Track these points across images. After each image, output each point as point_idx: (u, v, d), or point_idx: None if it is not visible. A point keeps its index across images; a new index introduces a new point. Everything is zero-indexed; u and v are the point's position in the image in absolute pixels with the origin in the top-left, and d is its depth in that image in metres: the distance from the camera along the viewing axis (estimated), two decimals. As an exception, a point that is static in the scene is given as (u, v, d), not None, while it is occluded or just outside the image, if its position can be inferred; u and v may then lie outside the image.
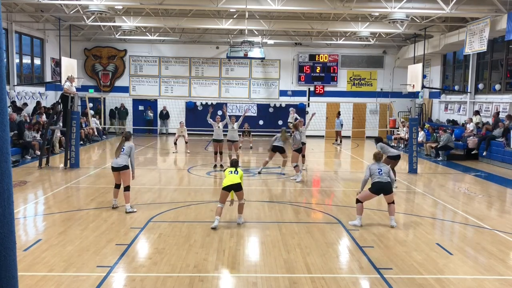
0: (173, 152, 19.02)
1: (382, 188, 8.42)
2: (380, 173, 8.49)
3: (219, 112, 24.24)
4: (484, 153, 17.36)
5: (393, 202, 8.65)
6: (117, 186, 9.50)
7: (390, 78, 28.28)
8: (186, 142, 19.37)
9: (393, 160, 12.09)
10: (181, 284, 5.69)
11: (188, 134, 20.23)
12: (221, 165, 15.09)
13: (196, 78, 28.07)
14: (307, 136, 17.02)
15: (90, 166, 15.51)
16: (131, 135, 10.01)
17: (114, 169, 9.36)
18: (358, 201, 8.62)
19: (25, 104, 20.74)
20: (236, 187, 8.40)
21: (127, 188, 9.31)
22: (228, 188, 8.34)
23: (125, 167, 9.32)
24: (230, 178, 8.37)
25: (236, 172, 8.50)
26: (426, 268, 6.38)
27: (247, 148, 20.49)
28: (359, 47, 27.81)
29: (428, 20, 20.24)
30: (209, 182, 13.07)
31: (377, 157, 8.89)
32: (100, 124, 24.20)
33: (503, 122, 16.95)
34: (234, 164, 8.75)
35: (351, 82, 28.34)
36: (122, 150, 9.30)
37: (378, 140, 12.56)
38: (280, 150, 13.96)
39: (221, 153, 15.28)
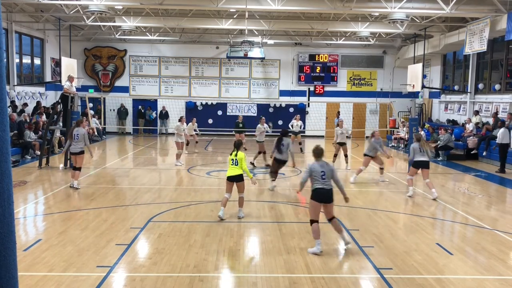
0: (177, 164, 15.71)
1: (326, 196, 6.93)
2: (324, 176, 6.94)
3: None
4: (484, 153, 17.36)
5: (334, 217, 7.11)
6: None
7: (390, 78, 28.28)
8: (196, 142, 19.20)
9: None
10: (181, 284, 5.69)
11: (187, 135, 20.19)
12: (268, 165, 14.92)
13: (196, 78, 28.07)
14: (308, 136, 17.11)
15: (90, 166, 15.50)
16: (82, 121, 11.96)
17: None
18: (312, 221, 6.99)
19: (25, 104, 20.72)
20: (237, 179, 8.49)
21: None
22: (230, 179, 8.58)
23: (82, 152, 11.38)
24: (231, 169, 8.55)
25: (236, 162, 8.51)
26: (426, 268, 6.38)
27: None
28: (359, 47, 27.81)
29: (428, 20, 20.24)
30: (209, 182, 13.07)
31: (316, 153, 7.25)
32: (100, 124, 24.21)
33: (503, 121, 16.92)
34: (236, 146, 8.72)
35: (351, 82, 28.34)
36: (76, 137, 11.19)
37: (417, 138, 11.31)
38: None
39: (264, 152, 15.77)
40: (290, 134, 14.50)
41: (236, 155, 8.63)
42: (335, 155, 15.60)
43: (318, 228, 6.92)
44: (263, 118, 17.21)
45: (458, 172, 15.57)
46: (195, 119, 20.15)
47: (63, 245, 7.05)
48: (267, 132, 16.64)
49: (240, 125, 19.80)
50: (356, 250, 7.11)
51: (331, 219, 7.10)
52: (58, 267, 6.15)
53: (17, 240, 6.90)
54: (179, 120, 16.49)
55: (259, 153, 16.01)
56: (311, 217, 7.03)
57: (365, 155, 13.43)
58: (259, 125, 16.50)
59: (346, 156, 15.77)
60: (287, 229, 8.17)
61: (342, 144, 15.55)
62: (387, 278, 5.97)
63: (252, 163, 15.54)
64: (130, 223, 8.44)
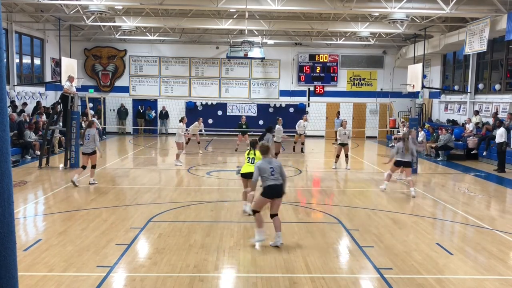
0: (177, 164, 15.71)
1: (277, 191, 7.17)
2: (273, 173, 7.15)
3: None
4: (484, 153, 17.36)
5: (277, 215, 7.28)
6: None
7: (390, 78, 28.28)
8: (198, 142, 19.08)
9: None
10: (181, 284, 5.69)
11: (188, 134, 20.19)
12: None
13: (196, 78, 28.07)
14: (308, 136, 17.19)
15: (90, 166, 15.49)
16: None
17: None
18: (254, 211, 7.30)
19: (25, 104, 20.71)
20: (250, 175, 8.47)
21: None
22: (245, 175, 8.96)
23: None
24: (246, 166, 8.98)
25: (252, 160, 8.89)
26: (426, 268, 6.38)
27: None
28: (359, 47, 27.81)
29: (428, 20, 20.24)
30: (209, 182, 13.07)
31: (263, 151, 7.44)
32: (100, 124, 24.20)
33: (502, 121, 16.94)
34: (252, 145, 9.12)
35: (351, 82, 28.34)
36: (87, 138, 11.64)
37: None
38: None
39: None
40: (274, 130, 14.50)
41: (254, 153, 8.97)
42: (338, 156, 15.55)
43: (261, 218, 7.26)
44: (280, 118, 17.31)
45: (458, 172, 15.58)
46: (201, 119, 20.05)
47: (63, 245, 7.05)
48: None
49: (244, 126, 19.88)
50: (356, 250, 7.11)
51: (274, 215, 7.28)
52: (58, 267, 6.15)
53: (17, 240, 6.89)
54: (180, 121, 16.52)
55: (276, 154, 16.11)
56: (255, 207, 7.35)
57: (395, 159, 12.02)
58: (278, 126, 16.49)
59: (347, 156, 15.79)
60: (287, 229, 8.16)
61: (344, 145, 15.55)
62: (387, 278, 5.97)
63: None
64: (130, 223, 8.44)
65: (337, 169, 15.34)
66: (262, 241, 7.21)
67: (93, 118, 22.78)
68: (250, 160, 8.98)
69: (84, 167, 12.04)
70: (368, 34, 23.55)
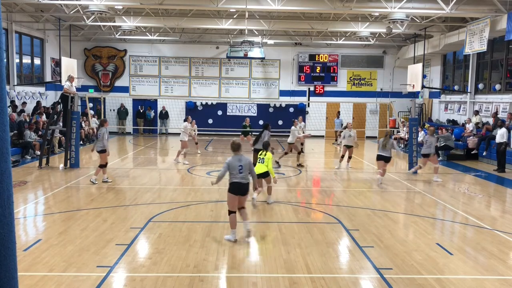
0: (178, 162, 16.30)
1: (242, 189, 7.38)
2: (241, 170, 7.33)
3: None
4: (484, 153, 17.36)
5: (244, 207, 7.60)
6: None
7: (390, 78, 28.29)
8: (196, 143, 18.93)
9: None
10: (181, 284, 5.69)
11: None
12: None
13: (196, 78, 28.07)
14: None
15: (90, 166, 15.50)
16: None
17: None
18: (230, 212, 7.45)
19: (24, 104, 20.70)
20: (263, 175, 9.68)
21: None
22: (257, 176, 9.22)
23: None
24: (257, 167, 9.60)
25: (262, 160, 9.77)
26: (426, 268, 6.38)
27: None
28: (359, 47, 27.81)
29: (428, 20, 20.24)
30: (209, 182, 13.04)
31: (234, 148, 7.59)
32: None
33: (503, 121, 16.93)
34: (264, 147, 10.13)
35: (351, 82, 28.34)
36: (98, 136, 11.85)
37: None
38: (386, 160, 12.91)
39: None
40: (270, 128, 14.51)
41: (265, 154, 9.84)
42: (342, 156, 15.61)
43: (235, 219, 7.45)
44: (296, 120, 17.30)
45: (458, 172, 15.58)
46: (191, 119, 19.84)
47: (63, 245, 7.05)
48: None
49: (247, 127, 19.93)
50: (356, 250, 7.11)
51: (241, 208, 7.59)
52: (58, 267, 6.15)
53: (17, 240, 6.93)
54: (185, 120, 16.77)
55: (286, 153, 16.47)
56: (229, 208, 7.49)
57: (423, 155, 13.81)
58: (293, 127, 16.34)
59: (350, 157, 15.83)
60: (287, 229, 8.17)
61: (349, 147, 15.49)
62: (387, 278, 5.97)
63: (277, 162, 15.58)
64: (130, 223, 8.44)
65: (339, 169, 15.35)
66: (231, 241, 7.35)
67: (93, 118, 22.81)
68: (260, 160, 9.82)
69: (100, 166, 12.36)
70: (368, 34, 23.55)
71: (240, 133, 20.64)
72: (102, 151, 12.23)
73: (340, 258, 6.88)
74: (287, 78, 28.19)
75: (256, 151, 12.87)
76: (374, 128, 27.51)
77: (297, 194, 11.52)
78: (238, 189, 7.36)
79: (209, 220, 8.72)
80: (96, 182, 12.12)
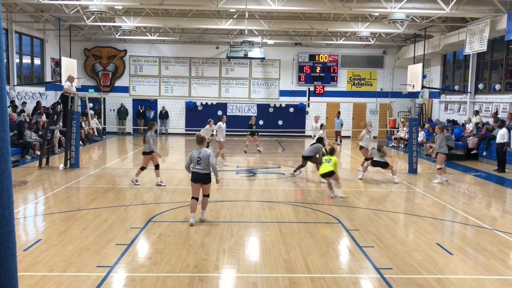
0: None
1: (199, 178, 8.30)
2: (199, 161, 8.25)
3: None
4: (484, 153, 17.36)
5: (207, 196, 8.53)
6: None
7: (390, 78, 28.29)
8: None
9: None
10: (181, 284, 5.69)
11: (188, 134, 20.13)
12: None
13: (196, 78, 28.07)
14: (308, 136, 17.17)
15: (90, 166, 15.51)
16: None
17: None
18: (192, 197, 8.44)
19: (24, 103, 20.69)
20: (329, 174, 10.88)
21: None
22: (323, 175, 11.07)
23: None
24: (324, 166, 10.94)
25: (329, 160, 10.97)
26: (426, 268, 6.38)
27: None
28: (359, 47, 27.81)
29: (428, 20, 20.24)
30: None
31: (197, 140, 8.55)
32: (100, 124, 24.22)
33: (504, 121, 16.92)
34: (331, 152, 11.42)
35: (351, 82, 28.34)
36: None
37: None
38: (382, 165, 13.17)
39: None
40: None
41: (329, 160, 11.01)
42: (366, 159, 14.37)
43: (195, 204, 8.37)
44: (325, 125, 17.14)
45: (458, 172, 15.57)
46: (212, 120, 18.83)
47: (63, 245, 7.05)
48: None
49: (254, 126, 19.88)
50: (356, 250, 7.11)
51: (204, 196, 8.52)
52: (58, 267, 6.15)
53: (17, 240, 6.93)
54: (220, 120, 16.67)
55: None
56: (192, 194, 8.45)
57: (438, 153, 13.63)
58: (363, 132, 15.28)
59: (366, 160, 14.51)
60: (287, 229, 8.17)
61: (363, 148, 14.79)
62: (387, 278, 5.97)
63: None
64: (130, 223, 8.44)
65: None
66: (191, 223, 8.21)
67: (93, 118, 22.81)
68: (327, 160, 11.04)
69: (142, 168, 12.11)
70: (368, 34, 23.55)
71: (247, 133, 20.47)
72: (147, 153, 11.91)
73: (340, 258, 6.88)
74: (287, 78, 28.19)
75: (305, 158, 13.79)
76: (374, 128, 27.44)
77: (297, 194, 11.52)
78: (196, 177, 8.31)
79: (209, 220, 8.72)
80: (138, 183, 11.97)
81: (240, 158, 17.87)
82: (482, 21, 17.58)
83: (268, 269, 6.24)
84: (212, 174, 8.42)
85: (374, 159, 13.03)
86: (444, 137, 13.47)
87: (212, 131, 16.92)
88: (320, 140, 14.00)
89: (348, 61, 28.30)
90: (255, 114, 27.65)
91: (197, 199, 8.38)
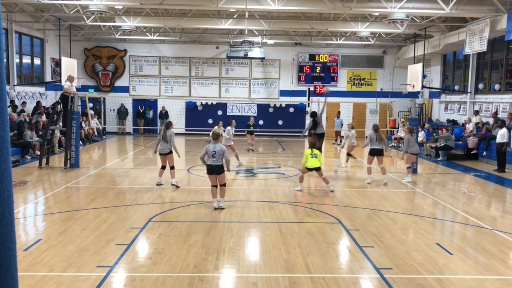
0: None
1: (213, 170, 9.27)
2: (214, 155, 9.18)
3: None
4: (484, 153, 17.36)
5: (224, 185, 9.51)
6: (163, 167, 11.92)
7: (390, 78, 28.28)
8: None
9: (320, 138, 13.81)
10: (181, 284, 5.69)
11: (188, 134, 20.15)
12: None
13: (196, 78, 28.06)
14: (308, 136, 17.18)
15: (90, 166, 15.51)
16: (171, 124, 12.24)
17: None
18: (212, 186, 9.46)
19: (24, 103, 20.69)
20: (317, 169, 11.21)
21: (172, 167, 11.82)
22: (310, 169, 11.23)
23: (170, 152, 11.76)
24: (312, 161, 11.08)
25: (315, 155, 11.12)
26: (426, 268, 6.38)
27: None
28: (359, 47, 27.80)
29: (428, 20, 20.24)
30: (209, 182, 13.03)
31: (213, 136, 9.47)
32: (100, 124, 24.21)
33: (504, 121, 16.93)
34: (313, 146, 11.43)
35: (351, 82, 28.34)
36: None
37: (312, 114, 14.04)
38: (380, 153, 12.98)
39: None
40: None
41: (316, 155, 11.16)
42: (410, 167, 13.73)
43: (215, 191, 9.49)
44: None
45: (458, 172, 15.57)
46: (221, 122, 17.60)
47: (63, 245, 7.05)
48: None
49: (251, 127, 19.92)
50: (356, 250, 7.11)
51: (222, 185, 9.52)
52: (58, 267, 6.15)
53: (17, 240, 6.91)
54: (229, 124, 16.54)
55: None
56: (211, 183, 9.55)
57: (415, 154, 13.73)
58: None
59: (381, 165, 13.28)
60: (287, 229, 8.17)
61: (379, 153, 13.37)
62: (387, 278, 5.97)
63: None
64: (130, 223, 8.44)
65: (337, 170, 15.30)
66: (215, 207, 9.39)
67: (93, 118, 22.80)
68: (313, 156, 11.10)
69: (163, 167, 12.01)
70: (368, 34, 23.55)
71: (245, 133, 20.57)
72: (170, 153, 11.82)
73: (340, 258, 6.88)
74: (287, 78, 28.19)
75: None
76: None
77: (297, 194, 11.51)
78: (211, 169, 9.30)
79: (209, 220, 8.73)
80: (177, 185, 11.78)
81: (243, 158, 17.85)
82: (482, 21, 17.58)
83: (268, 269, 6.24)
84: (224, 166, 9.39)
85: (373, 147, 12.81)
86: (412, 138, 13.36)
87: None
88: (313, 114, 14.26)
89: (348, 61, 28.29)
90: (255, 114, 27.65)
91: (216, 186, 9.43)
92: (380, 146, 12.78)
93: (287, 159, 17.72)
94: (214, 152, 9.15)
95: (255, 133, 20.68)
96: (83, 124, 21.34)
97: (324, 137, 14.51)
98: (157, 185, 11.90)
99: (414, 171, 14.82)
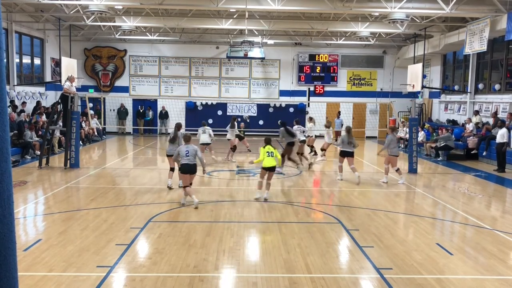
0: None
1: (189, 169, 9.45)
2: (187, 154, 9.45)
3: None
4: (484, 153, 17.36)
5: (190, 184, 9.64)
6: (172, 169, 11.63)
7: (390, 78, 28.28)
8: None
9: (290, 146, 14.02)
10: (181, 284, 5.69)
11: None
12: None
13: (196, 78, 28.06)
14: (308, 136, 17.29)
15: (90, 166, 15.51)
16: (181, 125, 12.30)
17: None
18: (185, 186, 9.61)
19: (24, 103, 20.68)
20: (273, 169, 10.37)
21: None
22: (267, 169, 10.33)
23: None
24: (268, 160, 10.25)
25: (272, 154, 10.35)
26: (426, 268, 6.38)
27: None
28: (359, 47, 27.81)
29: (428, 20, 20.24)
30: (209, 182, 13.06)
31: (185, 139, 9.90)
32: (100, 124, 24.21)
33: (504, 121, 16.93)
34: (267, 142, 10.52)
35: (351, 82, 28.34)
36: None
37: (282, 124, 14.05)
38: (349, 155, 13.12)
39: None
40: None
41: (272, 153, 10.38)
42: (398, 170, 13.51)
43: (188, 190, 9.59)
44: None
45: (458, 172, 15.57)
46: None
47: (63, 245, 7.05)
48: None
49: (242, 132, 19.71)
50: (356, 250, 7.11)
51: (189, 184, 9.64)
52: (58, 267, 6.15)
53: (17, 240, 6.91)
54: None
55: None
56: (183, 184, 9.74)
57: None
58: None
59: (397, 169, 13.29)
60: (287, 229, 8.17)
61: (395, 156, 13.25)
62: (387, 278, 5.97)
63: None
64: (130, 223, 8.44)
65: (337, 170, 15.25)
66: (183, 204, 9.67)
67: (93, 118, 22.80)
68: (269, 154, 10.37)
69: (172, 169, 11.64)
70: (368, 34, 23.55)
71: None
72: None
73: (340, 258, 6.88)
74: (287, 78, 28.19)
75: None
76: (374, 128, 27.51)
77: (297, 194, 11.51)
78: (185, 169, 9.48)
79: (209, 220, 8.73)
80: (172, 186, 11.65)
81: (240, 158, 17.86)
82: (482, 21, 17.58)
83: (268, 269, 6.24)
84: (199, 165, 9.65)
85: (343, 149, 13.00)
86: (395, 139, 13.16)
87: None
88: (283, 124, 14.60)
89: (348, 61, 28.30)
90: (255, 114, 27.66)
91: (188, 186, 9.59)
92: (350, 148, 12.97)
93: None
94: (187, 152, 9.44)
95: (246, 134, 20.29)
96: (83, 124, 21.34)
97: (294, 145, 14.74)
98: (168, 187, 11.54)
99: (414, 171, 14.82)
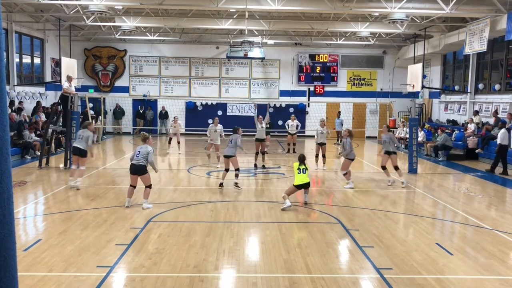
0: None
1: (136, 170, 9.33)
2: (137, 156, 9.35)
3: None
4: (478, 150, 17.39)
5: (149, 187, 9.52)
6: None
7: (390, 78, 28.28)
8: (178, 142, 18.64)
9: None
10: (181, 284, 5.69)
11: (188, 134, 20.14)
12: (263, 166, 15.53)
13: (196, 78, 28.06)
14: (308, 136, 17.18)
15: (90, 166, 15.49)
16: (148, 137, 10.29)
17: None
18: (130, 185, 9.57)
19: (21, 103, 20.66)
20: (306, 186, 9.82)
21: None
22: (299, 187, 9.78)
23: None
24: (300, 177, 9.69)
25: (304, 170, 9.78)
26: (426, 268, 6.38)
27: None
28: (359, 47, 27.80)
29: (428, 20, 20.24)
30: (209, 182, 13.07)
31: (141, 138, 9.91)
32: (101, 124, 24.16)
33: (504, 122, 16.91)
34: (302, 159, 9.90)
35: (351, 82, 28.34)
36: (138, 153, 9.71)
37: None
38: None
39: (262, 153, 15.82)
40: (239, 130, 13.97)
41: (304, 170, 9.80)
42: (317, 156, 15.63)
43: (131, 191, 9.56)
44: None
45: (458, 172, 15.57)
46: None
47: (63, 245, 7.05)
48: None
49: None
50: (356, 250, 7.11)
51: (147, 186, 9.53)
52: (58, 267, 6.15)
53: (17, 240, 6.91)
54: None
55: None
56: (131, 183, 9.58)
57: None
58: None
59: (324, 156, 15.57)
60: (287, 229, 8.17)
61: (322, 144, 15.50)
62: (387, 278, 5.97)
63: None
64: (130, 223, 8.44)
65: (337, 170, 15.29)
66: (126, 206, 9.47)
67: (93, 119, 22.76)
68: (302, 170, 9.79)
69: (227, 170, 11.86)
70: (368, 34, 23.55)
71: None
72: (232, 156, 12.04)
73: (340, 258, 6.88)
74: (287, 78, 28.19)
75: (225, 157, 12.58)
76: (374, 128, 27.50)
77: (297, 194, 11.50)
78: (133, 169, 9.36)
79: (209, 220, 8.72)
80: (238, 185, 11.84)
81: (240, 158, 17.83)
82: (482, 21, 17.58)
83: (268, 269, 6.24)
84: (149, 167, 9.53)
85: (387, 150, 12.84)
86: (351, 143, 12.66)
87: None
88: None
89: (348, 61, 28.30)
90: (255, 114, 27.58)
91: (134, 187, 9.52)
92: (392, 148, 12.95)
93: (287, 159, 17.72)
94: (138, 153, 9.36)
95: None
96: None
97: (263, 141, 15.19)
98: (220, 186, 11.87)
99: (414, 171, 14.81)
